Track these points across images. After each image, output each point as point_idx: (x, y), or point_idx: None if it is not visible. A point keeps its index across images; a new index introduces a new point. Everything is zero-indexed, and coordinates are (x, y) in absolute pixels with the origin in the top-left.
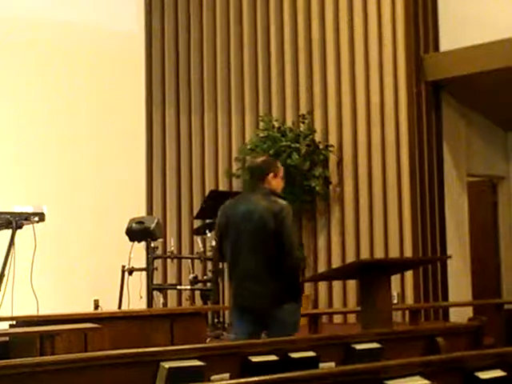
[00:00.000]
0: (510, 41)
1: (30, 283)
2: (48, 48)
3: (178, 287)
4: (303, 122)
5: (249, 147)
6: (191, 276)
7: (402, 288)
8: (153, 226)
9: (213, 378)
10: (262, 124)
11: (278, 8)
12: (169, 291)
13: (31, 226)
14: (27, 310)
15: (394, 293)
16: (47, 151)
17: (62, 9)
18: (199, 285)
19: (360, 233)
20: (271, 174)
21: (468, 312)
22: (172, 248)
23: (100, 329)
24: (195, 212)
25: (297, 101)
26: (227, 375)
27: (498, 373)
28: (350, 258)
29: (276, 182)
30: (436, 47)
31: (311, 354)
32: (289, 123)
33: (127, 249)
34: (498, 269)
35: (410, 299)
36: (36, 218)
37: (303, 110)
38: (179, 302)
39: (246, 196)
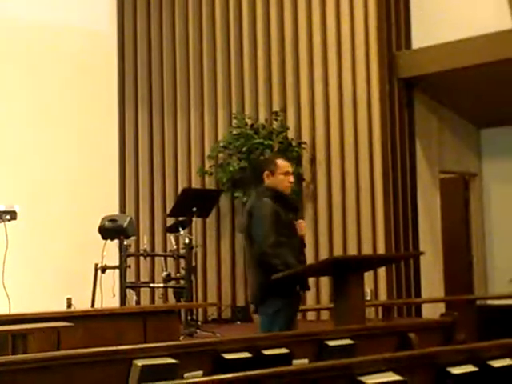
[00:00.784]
0: (482, 38)
1: (2, 282)
2: (19, 47)
3: (151, 285)
4: (276, 120)
5: (222, 145)
6: (164, 274)
7: (375, 284)
8: (125, 223)
9: (186, 375)
10: (234, 121)
11: (251, 7)
12: (142, 289)
13: (3, 224)
14: None
15: (367, 289)
16: (19, 149)
17: (33, 8)
18: (172, 282)
19: (333, 230)
20: (266, 172)
21: (440, 308)
22: (145, 246)
23: (73, 327)
24: (168, 210)
25: (269, 98)
26: (200, 373)
27: (469, 368)
28: (323, 254)
29: (273, 180)
30: (408, 45)
31: (284, 350)
32: (262, 120)
33: (100, 247)
34: (470, 265)
35: (383, 295)
36: (8, 217)
37: (276, 108)
38: (152, 300)
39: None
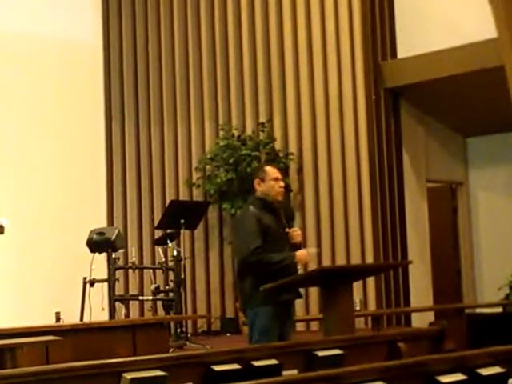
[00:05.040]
0: (467, 47)
1: None
2: (5, 59)
3: (140, 298)
4: (263, 131)
5: (209, 156)
6: (153, 286)
7: (365, 294)
8: (114, 236)
9: None
10: (221, 133)
11: (236, 18)
12: (131, 302)
13: None
14: None
15: (357, 299)
16: (5, 163)
17: (19, 19)
18: (161, 295)
19: (321, 240)
20: (257, 180)
21: (429, 316)
22: (133, 258)
23: (62, 341)
24: (156, 222)
25: (256, 109)
26: None
27: (458, 376)
28: (312, 265)
29: (264, 187)
30: (393, 54)
31: (274, 361)
32: (248, 132)
33: (88, 260)
34: (459, 273)
35: (372, 305)
36: None
37: (263, 119)
38: (141, 313)
39: None
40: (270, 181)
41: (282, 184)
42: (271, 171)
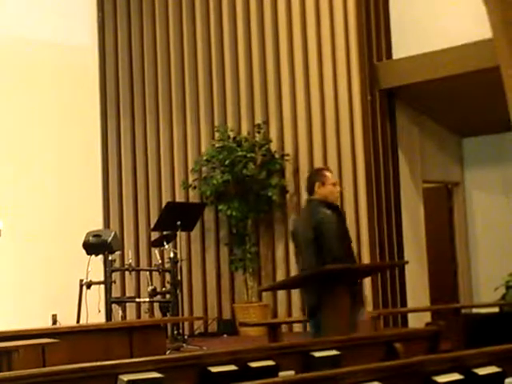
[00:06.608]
0: (463, 48)
1: None
2: (1, 61)
3: (137, 300)
4: (259, 132)
5: (205, 158)
6: (150, 288)
7: None
8: (110, 238)
9: None
10: (217, 134)
11: (232, 20)
12: (127, 304)
13: None
14: None
15: None
16: (1, 165)
17: (15, 22)
18: (158, 297)
19: None
20: (318, 183)
21: (426, 317)
22: (130, 260)
23: (58, 343)
24: (152, 224)
25: (252, 111)
26: None
27: (455, 376)
28: None
29: (325, 190)
30: (389, 55)
31: (270, 362)
32: (244, 133)
33: (85, 262)
34: (455, 273)
35: (369, 305)
36: None
37: (258, 120)
38: (138, 315)
39: (303, 208)
40: (329, 185)
41: (339, 189)
42: (330, 176)
